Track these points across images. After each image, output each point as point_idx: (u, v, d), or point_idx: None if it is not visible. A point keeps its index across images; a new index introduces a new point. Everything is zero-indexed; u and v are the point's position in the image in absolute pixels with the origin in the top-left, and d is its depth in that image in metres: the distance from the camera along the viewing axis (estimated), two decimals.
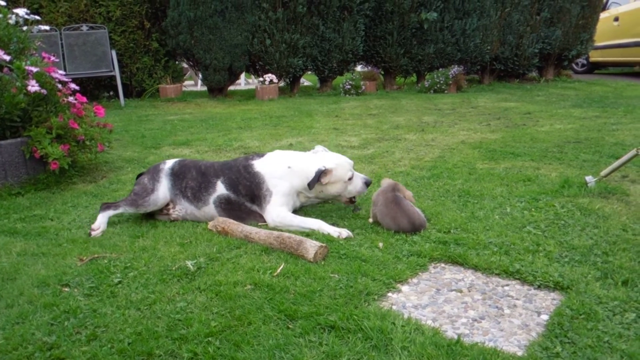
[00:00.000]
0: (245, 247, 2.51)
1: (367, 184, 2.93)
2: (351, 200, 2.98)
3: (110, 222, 2.98)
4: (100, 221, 2.90)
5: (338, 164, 2.84)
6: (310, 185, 2.79)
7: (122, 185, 3.77)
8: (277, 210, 2.78)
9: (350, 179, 2.86)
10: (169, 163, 3.10)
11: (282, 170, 2.85)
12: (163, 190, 2.98)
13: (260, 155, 2.98)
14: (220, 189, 2.91)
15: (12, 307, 2.00)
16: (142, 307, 1.97)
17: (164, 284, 2.16)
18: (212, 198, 2.92)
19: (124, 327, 1.83)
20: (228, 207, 2.90)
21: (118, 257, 2.45)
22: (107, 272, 2.29)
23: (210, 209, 2.94)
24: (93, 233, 2.82)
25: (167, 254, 2.46)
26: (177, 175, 3.02)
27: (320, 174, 2.78)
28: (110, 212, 2.95)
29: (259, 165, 2.89)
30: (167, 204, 3.01)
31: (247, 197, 2.88)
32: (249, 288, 2.09)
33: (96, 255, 2.47)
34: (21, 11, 4.23)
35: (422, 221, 2.65)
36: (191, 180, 2.98)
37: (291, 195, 2.88)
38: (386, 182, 2.88)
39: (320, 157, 2.89)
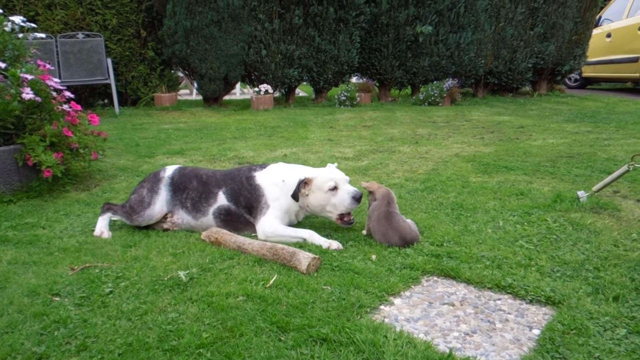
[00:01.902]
0: (238, 258, 2.51)
1: (356, 198, 2.75)
2: (343, 219, 2.82)
3: None
4: (100, 226, 2.94)
5: (319, 173, 2.81)
6: (294, 195, 2.77)
7: (116, 194, 3.76)
8: (270, 222, 2.76)
9: (331, 189, 2.74)
10: (169, 171, 3.05)
11: (280, 185, 2.84)
12: (160, 204, 2.95)
13: (263, 166, 2.96)
14: (222, 199, 2.89)
15: (1, 316, 1.98)
16: (133, 317, 1.96)
17: (155, 295, 2.14)
18: (212, 209, 2.90)
19: (114, 338, 1.82)
20: (227, 219, 2.88)
21: (110, 266, 2.44)
22: (99, 281, 2.27)
23: (208, 219, 2.91)
24: (101, 236, 2.89)
25: (159, 264, 2.44)
26: (177, 185, 2.99)
27: (300, 184, 2.76)
28: (110, 215, 3.01)
29: (260, 177, 2.87)
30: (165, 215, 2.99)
31: (246, 208, 2.86)
32: (241, 299, 2.08)
33: (87, 265, 2.46)
34: (17, 19, 4.23)
35: (414, 236, 2.65)
36: (192, 191, 2.95)
37: (288, 213, 2.86)
38: (374, 186, 2.87)
39: (310, 169, 2.89)
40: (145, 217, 2.93)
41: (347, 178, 2.86)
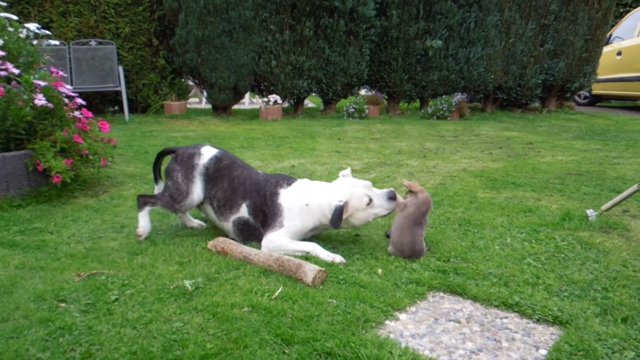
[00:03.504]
0: (244, 268, 2.50)
1: (392, 197, 2.76)
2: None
3: (111, 238, 2.99)
4: (144, 223, 2.96)
5: (351, 193, 2.72)
6: (335, 224, 2.67)
7: (124, 201, 3.78)
8: (277, 237, 2.72)
9: (369, 204, 2.73)
10: (205, 159, 2.95)
11: (300, 208, 2.77)
12: (197, 192, 2.94)
13: (289, 182, 2.86)
14: (243, 211, 2.87)
15: (7, 321, 1.99)
16: (138, 325, 1.96)
17: (161, 303, 2.14)
18: (233, 218, 2.89)
19: (119, 346, 1.81)
20: (244, 229, 2.87)
21: (116, 273, 2.45)
22: (105, 288, 2.27)
23: (228, 225, 2.92)
24: (140, 239, 2.92)
25: (165, 273, 2.45)
26: (210, 177, 2.93)
27: (342, 211, 2.67)
28: (149, 208, 2.99)
29: (284, 196, 2.80)
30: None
31: (263, 222, 2.84)
32: (246, 310, 2.07)
33: (94, 271, 2.46)
34: (32, 25, 4.30)
35: (421, 250, 2.65)
36: (220, 192, 2.91)
37: (299, 235, 2.80)
38: (418, 188, 2.80)
39: (334, 188, 2.79)
40: (186, 205, 2.96)
41: (369, 183, 2.83)
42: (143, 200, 2.98)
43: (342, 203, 2.68)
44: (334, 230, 3.16)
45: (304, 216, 2.78)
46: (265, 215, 2.82)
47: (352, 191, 2.73)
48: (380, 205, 2.76)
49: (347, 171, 2.91)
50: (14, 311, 2.06)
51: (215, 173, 2.94)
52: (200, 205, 3.05)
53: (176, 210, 3.00)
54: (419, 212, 2.70)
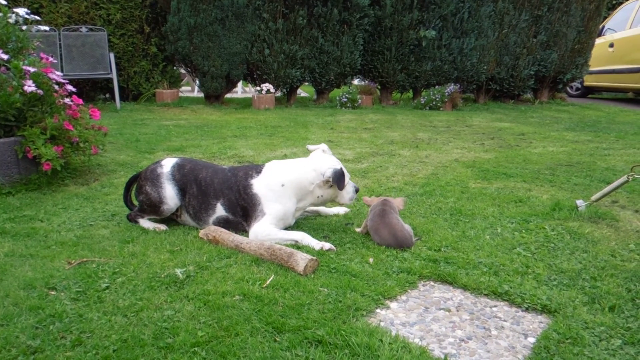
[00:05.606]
0: (235, 257, 2.50)
1: (357, 190, 3.01)
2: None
3: (101, 226, 2.98)
4: (152, 225, 2.97)
5: (343, 167, 2.88)
6: (341, 186, 2.83)
7: (114, 189, 3.76)
8: (263, 228, 2.73)
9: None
10: (167, 167, 2.97)
11: (277, 190, 2.81)
12: (171, 196, 2.92)
13: (258, 170, 2.89)
14: (220, 210, 2.88)
15: None
16: (129, 313, 1.96)
17: (152, 291, 2.14)
18: (212, 219, 2.90)
19: (109, 334, 1.81)
20: (226, 226, 2.87)
21: (107, 261, 2.44)
22: (95, 276, 2.27)
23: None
24: (164, 227, 2.98)
25: (156, 261, 2.44)
26: (179, 184, 2.94)
27: (342, 173, 2.83)
28: (143, 218, 3.00)
29: (257, 185, 2.82)
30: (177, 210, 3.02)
31: (243, 217, 2.86)
32: (238, 299, 2.08)
33: (85, 259, 2.45)
34: (21, 10, 4.24)
35: (406, 235, 2.66)
36: (192, 198, 2.92)
37: (284, 219, 2.83)
38: (369, 200, 2.97)
39: (321, 161, 2.86)
40: (165, 212, 2.96)
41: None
42: (133, 216, 3.03)
43: (339, 167, 2.82)
44: (325, 219, 3.17)
45: (282, 198, 2.81)
46: (245, 209, 2.84)
47: (342, 166, 2.91)
48: (348, 192, 2.97)
49: (326, 147, 3.02)
50: (4, 299, 2.05)
51: (183, 179, 2.95)
52: (179, 217, 3.05)
53: (159, 216, 2.99)
54: (379, 207, 2.79)
